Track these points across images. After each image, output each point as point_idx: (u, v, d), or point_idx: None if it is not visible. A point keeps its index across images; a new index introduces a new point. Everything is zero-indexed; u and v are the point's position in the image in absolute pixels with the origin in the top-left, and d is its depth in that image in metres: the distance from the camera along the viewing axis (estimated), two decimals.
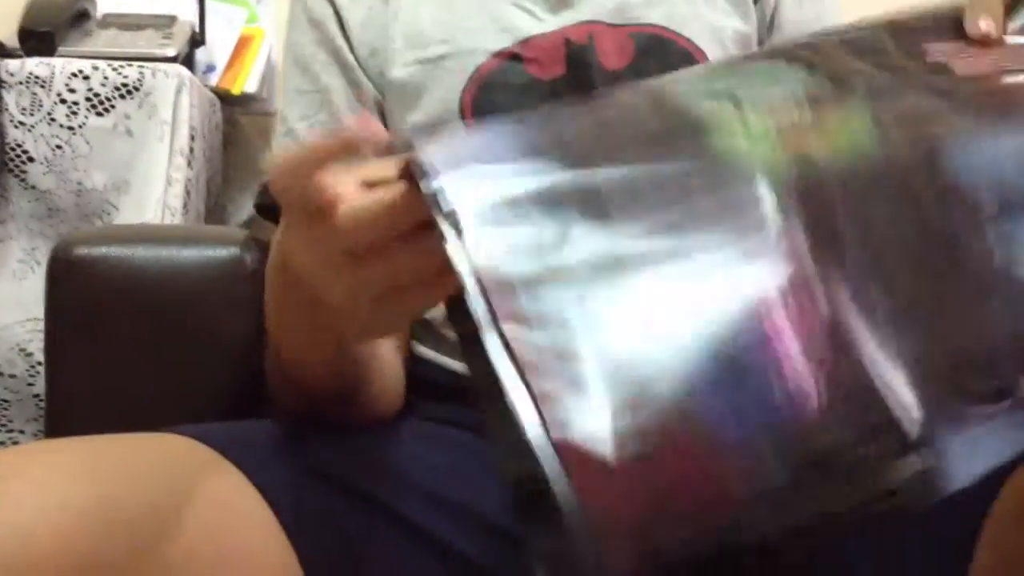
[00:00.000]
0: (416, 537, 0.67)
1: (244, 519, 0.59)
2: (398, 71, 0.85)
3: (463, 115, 0.81)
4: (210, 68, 1.59)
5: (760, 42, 0.89)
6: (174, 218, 1.31)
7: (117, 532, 0.52)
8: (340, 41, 0.86)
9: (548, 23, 0.84)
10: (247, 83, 1.60)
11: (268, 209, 0.90)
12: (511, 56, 0.82)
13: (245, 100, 1.64)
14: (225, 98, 1.58)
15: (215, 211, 1.57)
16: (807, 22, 0.90)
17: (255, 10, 1.69)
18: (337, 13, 0.87)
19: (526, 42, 0.83)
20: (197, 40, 1.52)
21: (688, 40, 0.83)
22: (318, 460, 0.66)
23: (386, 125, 0.86)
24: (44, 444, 0.58)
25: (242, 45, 1.63)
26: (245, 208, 1.67)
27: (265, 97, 1.68)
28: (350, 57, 0.86)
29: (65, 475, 0.54)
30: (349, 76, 0.86)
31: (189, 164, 1.34)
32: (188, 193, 1.34)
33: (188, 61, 1.49)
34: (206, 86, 1.51)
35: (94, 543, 0.51)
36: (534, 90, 0.82)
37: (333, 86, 0.86)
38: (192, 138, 1.35)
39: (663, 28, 0.84)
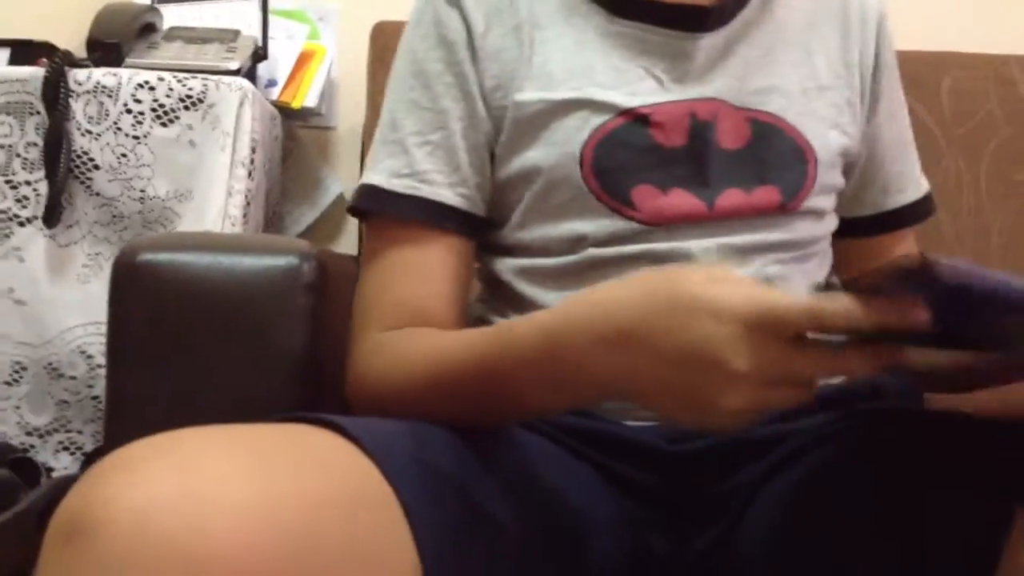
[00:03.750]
0: (531, 548, 0.69)
1: (382, 517, 0.59)
2: (523, 108, 0.86)
3: (581, 164, 0.84)
4: (272, 82, 1.62)
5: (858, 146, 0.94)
6: (234, 227, 1.32)
7: (283, 533, 0.52)
8: (468, 68, 0.87)
9: (673, 93, 0.86)
10: (307, 98, 1.63)
11: (360, 211, 0.91)
12: (638, 117, 0.85)
13: (304, 114, 1.66)
14: (285, 112, 1.61)
15: (273, 222, 1.59)
16: (896, 139, 0.98)
17: (317, 27, 1.72)
18: (470, 39, 0.87)
19: (656, 107, 0.85)
20: (260, 54, 1.55)
21: (799, 133, 0.87)
22: (439, 458, 0.67)
23: (493, 155, 0.88)
24: (204, 432, 0.57)
25: (303, 60, 1.66)
26: (302, 219, 1.69)
27: (324, 112, 1.70)
28: (474, 87, 0.87)
29: (236, 471, 0.53)
30: (469, 104, 0.87)
31: (250, 175, 1.35)
32: (248, 203, 1.35)
33: (251, 75, 1.51)
34: (267, 100, 1.53)
35: (263, 544, 0.51)
36: (653, 154, 0.84)
37: (452, 111, 0.87)
38: (253, 150, 1.36)
39: (778, 118, 0.87)
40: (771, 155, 0.86)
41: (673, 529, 0.79)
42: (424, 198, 0.86)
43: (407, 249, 0.86)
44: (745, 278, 0.61)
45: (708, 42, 0.87)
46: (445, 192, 0.86)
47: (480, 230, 0.89)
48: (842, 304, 0.57)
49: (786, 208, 0.85)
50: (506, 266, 0.89)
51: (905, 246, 1.00)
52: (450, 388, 0.72)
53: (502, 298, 0.89)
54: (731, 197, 0.84)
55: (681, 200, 0.84)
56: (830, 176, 0.89)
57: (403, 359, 0.78)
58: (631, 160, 0.84)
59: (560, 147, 0.84)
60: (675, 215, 0.83)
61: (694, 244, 0.83)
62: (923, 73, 1.44)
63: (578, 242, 0.85)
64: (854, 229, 0.97)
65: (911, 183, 1.00)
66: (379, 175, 0.88)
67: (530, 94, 0.86)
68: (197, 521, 0.50)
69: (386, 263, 0.86)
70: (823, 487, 0.74)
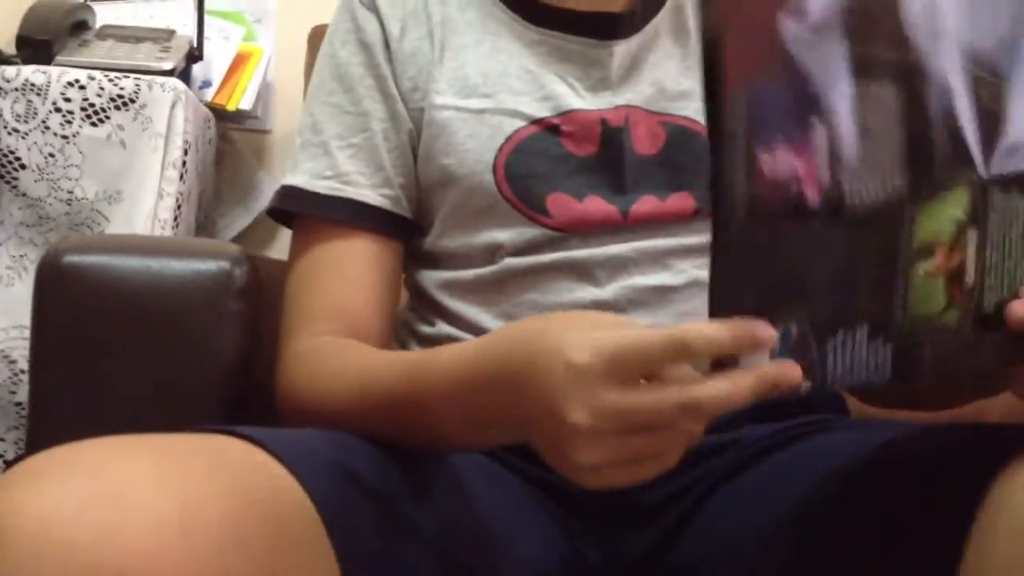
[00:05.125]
0: (456, 558, 0.68)
1: (297, 528, 0.58)
2: (437, 112, 0.87)
3: (495, 172, 0.84)
4: (206, 83, 1.60)
5: None
6: (164, 231, 1.31)
7: (198, 541, 0.51)
8: (386, 70, 0.89)
9: (588, 101, 0.87)
10: (242, 100, 1.61)
11: (281, 213, 0.91)
12: (550, 127, 0.85)
13: (239, 117, 1.64)
14: (220, 114, 1.58)
15: (205, 226, 1.57)
16: None
17: (253, 29, 1.70)
18: (387, 41, 0.89)
19: (566, 115, 0.85)
20: (195, 55, 1.52)
21: None
22: (360, 466, 0.66)
23: (416, 157, 0.88)
24: (117, 439, 0.55)
25: (239, 62, 1.64)
26: (235, 223, 1.67)
27: (259, 115, 1.68)
28: (393, 88, 0.88)
29: (146, 478, 0.52)
30: (390, 105, 0.88)
31: (181, 178, 1.34)
32: (179, 206, 1.33)
33: (185, 75, 1.49)
34: (201, 101, 1.51)
35: (177, 552, 0.50)
36: (567, 162, 0.85)
37: (374, 112, 0.88)
38: (185, 152, 1.35)
39: (694, 121, 0.87)
40: (687, 159, 0.86)
41: (606, 539, 0.79)
42: (347, 198, 0.86)
43: (332, 250, 0.86)
44: (619, 320, 0.58)
45: (622, 49, 0.88)
46: (368, 193, 0.87)
47: (407, 233, 0.89)
48: (705, 328, 0.51)
49: (701, 214, 0.86)
50: (430, 280, 0.89)
51: None
52: (379, 414, 0.71)
53: (428, 308, 0.90)
54: (646, 204, 0.85)
55: (596, 208, 0.84)
56: None
57: (335, 378, 0.77)
58: (545, 168, 0.84)
59: (474, 155, 0.85)
60: (589, 223, 0.84)
61: (610, 250, 0.83)
62: None
63: (496, 251, 0.85)
64: None
65: None
66: (301, 177, 0.88)
67: (445, 99, 0.87)
68: (107, 526, 0.48)
69: (311, 264, 0.86)
70: (779, 497, 0.73)
